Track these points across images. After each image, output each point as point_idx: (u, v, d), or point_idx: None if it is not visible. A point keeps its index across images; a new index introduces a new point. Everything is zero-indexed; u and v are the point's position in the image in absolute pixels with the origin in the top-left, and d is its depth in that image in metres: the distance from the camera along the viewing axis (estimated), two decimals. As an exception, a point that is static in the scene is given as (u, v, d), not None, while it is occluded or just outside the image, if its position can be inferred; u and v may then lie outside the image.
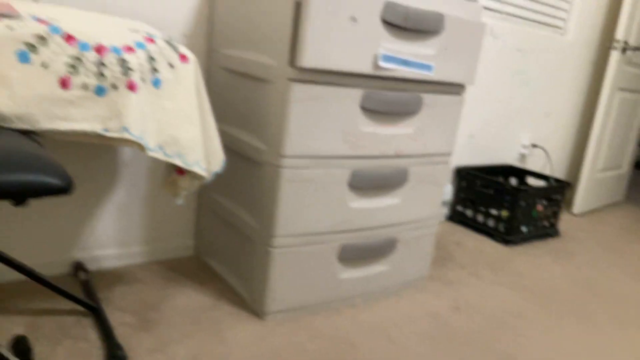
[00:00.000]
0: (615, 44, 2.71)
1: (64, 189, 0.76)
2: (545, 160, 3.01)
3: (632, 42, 2.81)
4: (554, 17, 2.72)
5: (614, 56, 2.72)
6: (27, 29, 0.92)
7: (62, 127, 0.96)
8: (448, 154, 1.62)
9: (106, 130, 1.01)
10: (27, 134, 0.94)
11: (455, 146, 2.44)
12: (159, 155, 1.10)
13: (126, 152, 1.50)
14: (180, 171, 1.22)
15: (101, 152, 1.46)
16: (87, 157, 1.44)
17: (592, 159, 2.86)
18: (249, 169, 1.41)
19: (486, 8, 2.35)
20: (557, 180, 2.52)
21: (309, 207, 1.34)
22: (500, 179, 2.51)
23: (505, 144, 2.71)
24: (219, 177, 1.55)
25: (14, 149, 0.82)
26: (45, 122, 0.94)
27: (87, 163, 1.44)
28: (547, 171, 3.04)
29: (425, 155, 1.55)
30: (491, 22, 2.35)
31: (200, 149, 1.16)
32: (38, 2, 1.26)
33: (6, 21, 0.91)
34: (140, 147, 1.07)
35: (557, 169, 3.15)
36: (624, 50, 2.74)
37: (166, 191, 1.26)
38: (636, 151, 3.49)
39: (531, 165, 2.92)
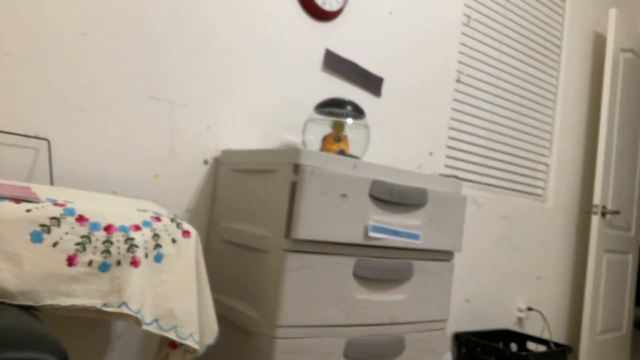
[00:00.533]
0: (594, 209, 2.87)
1: (58, 368, 0.77)
2: (543, 323, 2.96)
3: (610, 206, 2.98)
4: (533, 186, 2.92)
5: (595, 220, 2.86)
6: (44, 212, 1.00)
7: (64, 303, 0.99)
8: (444, 320, 1.62)
9: (105, 305, 1.03)
10: (26, 308, 0.96)
11: (451, 312, 2.43)
12: (155, 330, 1.10)
13: (119, 325, 1.50)
14: (173, 344, 1.21)
15: (95, 325, 1.46)
16: (81, 330, 1.43)
17: (590, 321, 2.83)
18: (243, 339, 1.40)
19: (467, 180, 2.55)
20: (557, 345, 2.46)
21: (304, 380, 1.30)
22: (500, 345, 2.45)
23: (502, 308, 2.70)
24: (210, 349, 1.52)
25: (12, 325, 0.84)
26: (48, 299, 0.97)
27: (80, 336, 1.43)
28: (545, 335, 2.97)
29: (420, 322, 1.55)
30: (473, 192, 2.52)
31: (195, 322, 1.17)
32: (54, 185, 1.38)
33: (25, 204, 1.00)
34: (137, 322, 1.09)
35: (556, 333, 3.08)
36: (603, 214, 2.90)
37: (157, 366, 1.24)
38: (634, 311, 3.45)
39: (529, 329, 2.87)
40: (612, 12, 2.98)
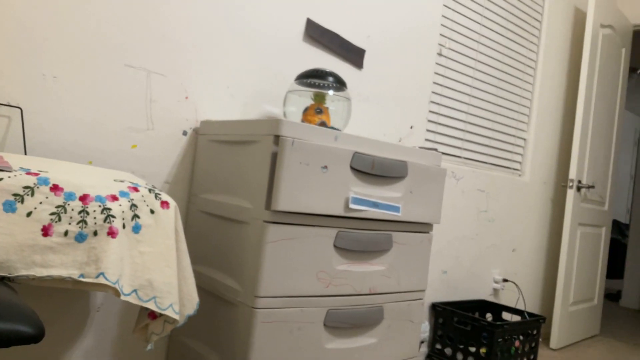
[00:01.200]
0: (570, 183, 2.93)
1: (35, 338, 0.76)
2: (518, 294, 3.04)
3: (585, 180, 3.04)
4: (511, 160, 2.96)
5: (570, 194, 2.92)
6: (16, 181, 0.98)
7: (40, 273, 0.97)
8: (422, 291, 1.64)
9: (82, 275, 1.02)
10: (0, 280, 0.94)
11: (429, 283, 2.47)
12: (134, 300, 1.10)
13: (98, 296, 1.49)
14: (152, 315, 1.20)
15: (74, 296, 1.44)
16: (59, 302, 1.42)
17: (563, 292, 2.91)
18: (223, 310, 1.40)
19: (447, 154, 2.56)
20: (532, 315, 2.53)
21: (284, 349, 1.32)
22: (476, 315, 2.51)
23: (478, 279, 2.75)
24: (191, 320, 1.52)
25: (-14, 296, 0.82)
26: (23, 269, 0.96)
27: (58, 307, 1.42)
28: (520, 305, 3.05)
29: (399, 292, 1.58)
30: (452, 166, 2.54)
31: (175, 292, 1.17)
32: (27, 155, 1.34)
33: (-2, 173, 0.97)
34: (115, 292, 1.08)
35: (531, 303, 3.17)
36: (578, 188, 2.96)
37: (137, 336, 1.23)
38: (605, 283, 3.56)
39: (505, 300, 2.94)
40: (593, -12, 2.98)
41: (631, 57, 5.42)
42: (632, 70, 5.69)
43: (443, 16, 2.46)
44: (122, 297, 1.07)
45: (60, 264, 1.00)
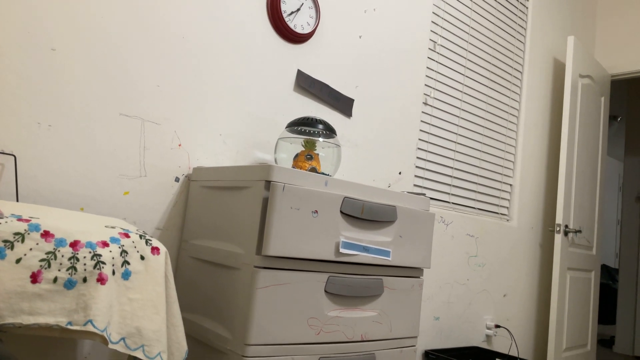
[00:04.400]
0: (557, 228, 2.96)
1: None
2: (511, 341, 3.01)
3: (572, 225, 3.07)
4: (499, 205, 3.00)
5: (558, 239, 2.95)
6: (7, 227, 0.98)
7: (27, 321, 0.96)
8: (414, 337, 1.63)
9: (70, 323, 1.01)
10: (-13, 328, 0.93)
11: (421, 329, 2.44)
12: (122, 348, 1.08)
13: (86, 344, 1.46)
14: (141, 364, 1.18)
15: (61, 344, 1.41)
16: (46, 350, 1.38)
17: (556, 338, 2.89)
18: (213, 358, 1.37)
19: (435, 199, 2.60)
20: (526, 362, 2.50)
21: (274, 399, 1.29)
22: (470, 363, 2.47)
23: (470, 325, 2.73)
24: (180, 370, 1.49)
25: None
26: (10, 317, 0.94)
27: (44, 356, 1.38)
28: (513, 352, 3.01)
29: (391, 339, 1.56)
30: (441, 211, 2.57)
31: (163, 340, 1.15)
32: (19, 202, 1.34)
33: (-11, 220, 0.97)
34: (103, 340, 1.06)
35: (524, 350, 3.13)
36: (565, 233, 2.99)
37: (124, 387, 1.20)
38: (598, 329, 3.54)
39: (498, 346, 2.90)
40: (570, 40, 3.13)
41: (610, 105, 5.61)
42: (612, 117, 5.87)
43: (428, 67, 2.55)
44: (110, 345, 1.06)
45: (48, 311, 0.99)
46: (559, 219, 2.96)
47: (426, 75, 2.54)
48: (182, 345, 1.23)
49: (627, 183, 4.89)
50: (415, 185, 2.48)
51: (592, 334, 3.35)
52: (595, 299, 3.38)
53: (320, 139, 1.68)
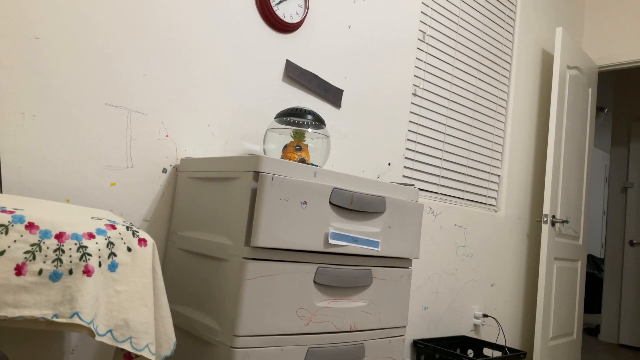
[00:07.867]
0: (544, 218, 2.99)
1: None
2: (498, 330, 3.04)
3: (559, 215, 3.10)
4: (486, 196, 3.01)
5: (545, 229, 2.98)
6: (-9, 219, 0.96)
7: (12, 314, 0.94)
8: (403, 327, 1.64)
9: (56, 315, 0.99)
10: (-29, 322, 0.92)
11: (410, 319, 2.46)
12: (109, 341, 1.07)
13: (73, 337, 1.44)
14: (128, 356, 1.17)
15: (47, 337, 1.40)
16: (32, 343, 1.37)
17: (542, 327, 2.92)
18: (201, 350, 1.37)
19: (424, 190, 2.61)
20: (512, 350, 2.53)
21: (264, 390, 1.29)
22: (458, 351, 2.50)
23: (458, 315, 2.75)
24: (169, 361, 1.48)
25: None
26: (-5, 310, 0.93)
27: (31, 349, 1.37)
28: (500, 341, 3.05)
29: (380, 329, 1.57)
30: (429, 202, 2.58)
31: (151, 332, 1.15)
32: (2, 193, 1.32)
33: (-28, 212, 0.96)
34: (90, 333, 1.05)
35: (511, 339, 3.17)
36: (552, 223, 3.02)
37: (112, 379, 1.20)
38: (584, 318, 3.59)
39: (485, 335, 2.94)
40: (559, 31, 3.14)
41: (597, 97, 5.66)
42: (599, 109, 5.92)
43: (417, 58, 2.54)
44: (97, 338, 1.05)
45: (34, 304, 0.98)
46: (546, 210, 2.99)
47: (415, 66, 2.53)
48: (171, 337, 1.23)
49: (613, 174, 4.94)
50: (404, 176, 2.49)
51: (578, 322, 3.40)
52: (581, 288, 3.43)
53: (310, 130, 1.67)
